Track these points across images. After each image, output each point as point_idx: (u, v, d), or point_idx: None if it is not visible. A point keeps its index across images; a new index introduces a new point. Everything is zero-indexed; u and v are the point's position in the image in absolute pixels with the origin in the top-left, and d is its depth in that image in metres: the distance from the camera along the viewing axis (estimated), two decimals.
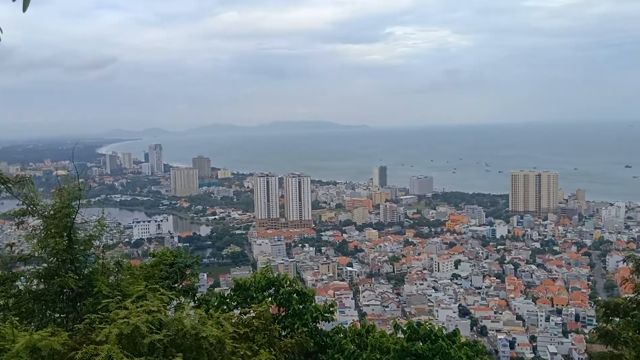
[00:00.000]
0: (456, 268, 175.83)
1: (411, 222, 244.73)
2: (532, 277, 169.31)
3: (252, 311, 10.45)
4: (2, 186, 10.02)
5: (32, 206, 10.26)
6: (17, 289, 10.16)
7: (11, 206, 10.61)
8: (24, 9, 4.48)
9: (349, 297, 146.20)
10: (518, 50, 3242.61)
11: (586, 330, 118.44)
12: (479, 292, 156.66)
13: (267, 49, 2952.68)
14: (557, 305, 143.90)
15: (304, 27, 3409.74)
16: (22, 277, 10.32)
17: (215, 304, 12.98)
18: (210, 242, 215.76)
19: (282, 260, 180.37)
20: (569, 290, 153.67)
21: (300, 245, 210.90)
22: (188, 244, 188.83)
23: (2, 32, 4.58)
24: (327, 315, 13.07)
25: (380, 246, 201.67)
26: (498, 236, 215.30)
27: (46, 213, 10.22)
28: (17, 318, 8.28)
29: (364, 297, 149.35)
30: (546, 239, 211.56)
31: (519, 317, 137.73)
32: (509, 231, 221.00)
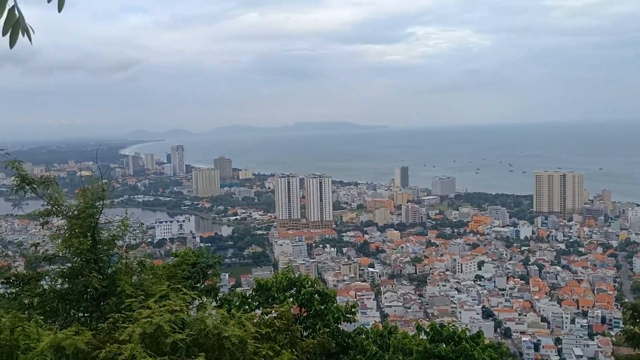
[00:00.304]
0: (479, 269, 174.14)
1: (433, 223, 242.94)
2: (557, 279, 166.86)
3: (273, 311, 10.43)
4: (27, 187, 10.17)
5: (56, 206, 10.39)
6: (41, 288, 10.29)
7: (36, 206, 10.76)
8: (59, 9, 4.50)
9: (370, 298, 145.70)
10: (539, 49, 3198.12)
11: (613, 333, 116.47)
12: (503, 294, 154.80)
13: (287, 51, 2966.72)
14: (582, 307, 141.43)
15: (324, 28, 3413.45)
16: (46, 277, 10.45)
17: (237, 304, 13.00)
18: (232, 243, 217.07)
19: (303, 260, 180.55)
20: (595, 292, 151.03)
21: (321, 245, 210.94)
22: (210, 244, 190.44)
23: (33, 32, 4.59)
24: (349, 316, 12.99)
25: (402, 247, 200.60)
26: (522, 237, 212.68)
27: (70, 213, 10.34)
28: (42, 317, 8.38)
29: (385, 298, 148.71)
30: (571, 240, 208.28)
31: (543, 319, 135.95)
32: (533, 232, 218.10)
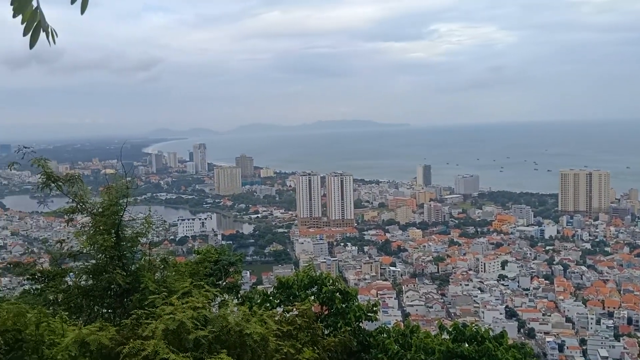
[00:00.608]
0: (503, 269, 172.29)
1: (456, 221, 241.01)
2: (582, 279, 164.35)
3: (295, 309, 10.43)
4: (53, 184, 10.33)
5: (81, 204, 10.53)
6: (66, 285, 10.44)
7: (61, 204, 10.92)
8: (82, 11, 4.52)
9: (392, 297, 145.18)
10: (565, 46, 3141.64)
11: (639, 334, 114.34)
12: (527, 294, 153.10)
13: (309, 48, 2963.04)
14: (608, 307, 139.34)
15: (346, 25, 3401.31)
16: (71, 273, 10.61)
17: (259, 301, 13.02)
18: (253, 240, 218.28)
19: (325, 259, 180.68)
20: (621, 292, 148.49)
21: (342, 244, 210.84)
22: (231, 242, 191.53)
23: (57, 36, 4.63)
24: (370, 314, 12.91)
25: (425, 246, 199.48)
26: (547, 236, 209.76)
27: (95, 211, 10.47)
28: (67, 313, 8.49)
29: (407, 297, 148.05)
30: (597, 240, 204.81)
31: (568, 320, 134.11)
32: (558, 231, 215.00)
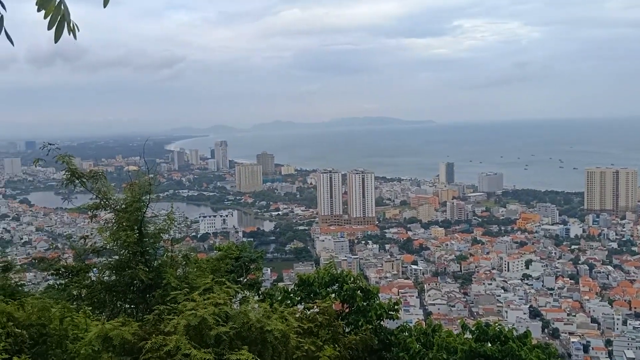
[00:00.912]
0: (527, 268, 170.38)
1: (479, 220, 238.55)
2: (608, 279, 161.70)
3: (316, 307, 10.41)
4: (77, 181, 10.46)
5: (104, 200, 10.65)
6: (89, 280, 10.58)
7: (85, 200, 11.08)
8: (105, 4, 4.56)
9: (413, 296, 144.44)
10: (592, 42, 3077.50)
11: None
12: (551, 293, 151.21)
13: (329, 45, 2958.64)
14: (635, 308, 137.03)
15: (367, 22, 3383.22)
16: (94, 269, 10.74)
17: (279, 298, 13.04)
18: (274, 238, 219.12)
19: (345, 257, 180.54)
20: None
21: (363, 242, 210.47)
22: (252, 239, 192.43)
23: (78, 30, 4.67)
24: (392, 313, 12.84)
25: (447, 244, 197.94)
26: (572, 235, 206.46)
27: (118, 207, 10.58)
28: (90, 308, 8.61)
29: (429, 296, 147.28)
30: (624, 239, 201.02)
31: (593, 320, 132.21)
32: (583, 230, 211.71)
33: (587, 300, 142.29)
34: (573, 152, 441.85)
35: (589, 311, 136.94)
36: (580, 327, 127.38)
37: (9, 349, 6.79)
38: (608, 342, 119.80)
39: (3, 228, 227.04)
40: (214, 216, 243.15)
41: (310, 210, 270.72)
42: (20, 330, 7.30)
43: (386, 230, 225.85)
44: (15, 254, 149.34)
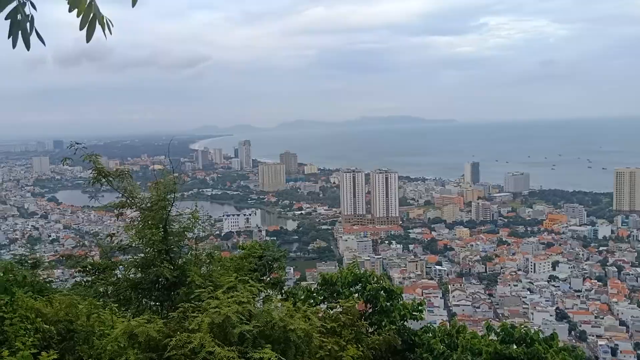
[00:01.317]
0: (554, 269, 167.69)
1: (505, 220, 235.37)
2: (637, 281, 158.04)
3: (339, 306, 10.39)
4: (103, 179, 10.63)
5: (130, 199, 10.79)
6: (116, 277, 10.74)
7: (111, 198, 11.23)
8: (133, 4, 4.59)
9: (437, 297, 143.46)
10: (621, 40, 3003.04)
11: None
12: (579, 295, 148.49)
13: (353, 44, 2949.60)
14: None
15: (391, 20, 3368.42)
16: (120, 266, 10.91)
17: (302, 297, 13.04)
18: (297, 237, 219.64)
19: (369, 256, 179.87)
20: None
21: (387, 242, 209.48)
22: (275, 238, 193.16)
23: (112, 26, 4.69)
24: (416, 313, 12.75)
25: (472, 245, 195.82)
26: (600, 237, 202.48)
27: (143, 205, 10.70)
28: (116, 305, 8.70)
29: (453, 297, 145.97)
30: None
31: (622, 323, 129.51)
32: (612, 232, 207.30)
33: (616, 302, 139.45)
34: (602, 152, 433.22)
35: (617, 314, 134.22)
36: (608, 329, 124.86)
37: (38, 345, 6.92)
38: (637, 345, 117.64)
39: (32, 226, 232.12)
40: (238, 215, 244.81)
41: (333, 209, 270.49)
42: (48, 326, 7.44)
43: (410, 231, 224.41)
44: (44, 251, 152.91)
